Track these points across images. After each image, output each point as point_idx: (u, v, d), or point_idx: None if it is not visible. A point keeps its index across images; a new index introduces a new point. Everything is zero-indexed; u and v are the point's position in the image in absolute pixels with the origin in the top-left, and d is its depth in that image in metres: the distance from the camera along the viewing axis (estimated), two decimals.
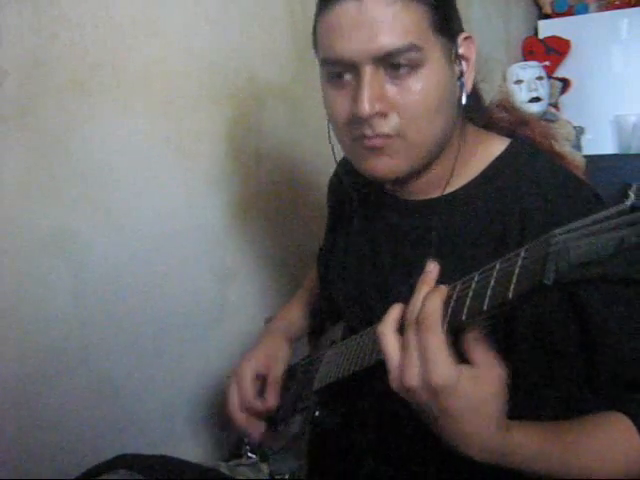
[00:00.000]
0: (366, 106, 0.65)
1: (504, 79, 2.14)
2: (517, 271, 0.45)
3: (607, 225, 0.38)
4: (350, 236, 0.88)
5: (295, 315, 1.05)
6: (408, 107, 0.67)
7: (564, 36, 2.28)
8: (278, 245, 1.36)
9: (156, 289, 1.13)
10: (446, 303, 0.53)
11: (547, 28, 2.37)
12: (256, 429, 0.87)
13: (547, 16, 2.41)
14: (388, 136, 0.68)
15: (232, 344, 1.25)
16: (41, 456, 0.95)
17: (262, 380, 0.90)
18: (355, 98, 0.67)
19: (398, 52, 0.65)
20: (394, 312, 0.57)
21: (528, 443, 0.55)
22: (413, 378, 0.52)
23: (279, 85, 1.33)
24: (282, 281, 1.35)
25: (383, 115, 0.67)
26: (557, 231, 0.42)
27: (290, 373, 0.94)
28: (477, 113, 0.77)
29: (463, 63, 0.71)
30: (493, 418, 0.52)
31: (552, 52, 2.26)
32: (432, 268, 0.56)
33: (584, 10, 2.33)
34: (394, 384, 0.55)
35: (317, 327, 1.04)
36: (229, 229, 1.26)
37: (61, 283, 0.99)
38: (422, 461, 0.77)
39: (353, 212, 0.88)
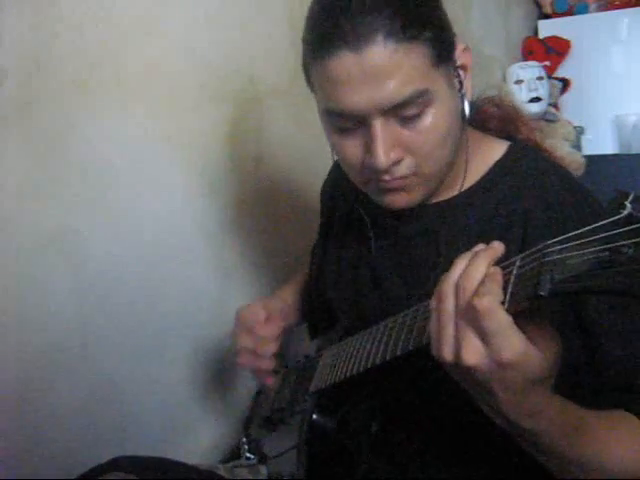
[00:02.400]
0: (382, 159, 0.64)
1: (504, 79, 2.14)
2: (512, 280, 0.45)
3: (603, 236, 0.38)
4: (345, 242, 0.88)
5: (288, 293, 1.06)
6: (421, 147, 0.66)
7: (564, 36, 2.28)
8: (278, 245, 1.36)
9: (156, 289, 1.13)
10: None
11: (547, 28, 2.36)
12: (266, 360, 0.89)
13: (547, 16, 2.41)
14: (405, 176, 0.68)
15: (231, 344, 1.26)
16: (41, 456, 0.96)
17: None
18: (369, 150, 0.66)
19: (407, 102, 0.63)
20: (459, 268, 0.52)
21: (567, 412, 0.54)
22: (473, 355, 0.48)
23: (279, 85, 1.33)
24: (281, 281, 1.34)
25: (399, 161, 0.66)
26: (552, 241, 0.42)
27: (287, 374, 0.94)
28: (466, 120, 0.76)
29: (461, 73, 0.70)
30: (547, 381, 0.51)
31: (552, 52, 2.26)
32: (497, 245, 0.53)
33: (584, 10, 2.32)
34: (446, 357, 0.51)
35: (315, 328, 1.04)
36: (229, 229, 1.26)
37: (61, 283, 0.99)
38: (420, 463, 0.78)
39: (348, 218, 0.87)
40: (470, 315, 0.49)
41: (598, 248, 0.38)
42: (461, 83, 0.70)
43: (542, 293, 0.40)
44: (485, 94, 0.83)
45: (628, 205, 0.38)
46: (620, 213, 0.38)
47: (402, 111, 0.64)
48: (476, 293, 0.48)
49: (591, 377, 0.65)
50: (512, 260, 0.47)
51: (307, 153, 1.37)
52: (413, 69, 0.62)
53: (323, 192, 0.99)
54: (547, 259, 0.41)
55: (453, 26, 0.71)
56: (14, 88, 0.91)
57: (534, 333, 0.49)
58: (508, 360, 0.47)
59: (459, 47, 0.70)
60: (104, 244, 1.04)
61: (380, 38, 0.61)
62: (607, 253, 0.37)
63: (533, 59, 2.25)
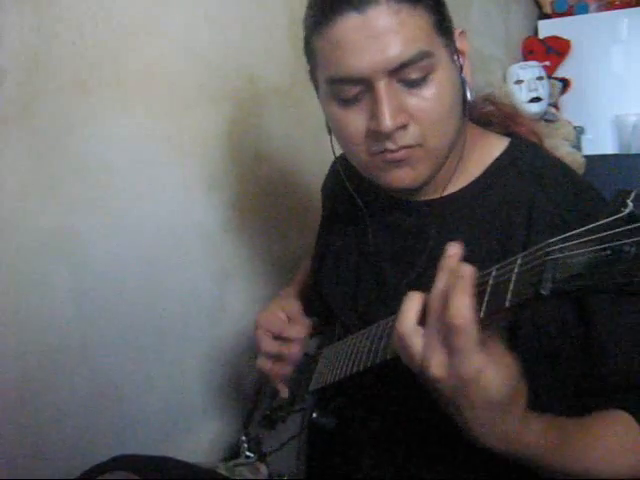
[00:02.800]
0: (388, 122, 0.64)
1: (504, 79, 2.14)
2: (514, 279, 0.45)
3: (605, 234, 0.38)
4: (345, 238, 0.88)
5: (292, 295, 1.04)
6: (427, 115, 0.66)
7: (564, 36, 2.28)
8: (277, 245, 1.36)
9: (156, 289, 1.13)
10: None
11: (547, 28, 2.36)
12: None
13: (547, 16, 2.41)
14: (410, 147, 0.67)
15: (231, 344, 1.26)
16: (41, 456, 0.96)
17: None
18: (374, 114, 0.66)
19: (411, 62, 0.64)
20: (413, 306, 0.53)
21: (546, 435, 0.54)
22: (439, 369, 0.50)
23: (279, 85, 1.33)
24: (281, 281, 1.34)
25: (404, 127, 0.66)
26: (554, 240, 0.42)
27: None
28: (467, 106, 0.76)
29: (460, 58, 0.71)
30: (515, 407, 0.51)
31: (552, 52, 2.26)
32: (453, 252, 0.52)
33: (584, 10, 2.32)
34: (413, 369, 0.53)
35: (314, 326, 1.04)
36: (228, 229, 1.26)
37: (61, 283, 0.99)
38: (420, 462, 0.78)
39: (349, 214, 0.87)
40: (442, 330, 0.50)
41: (600, 247, 0.38)
42: (461, 67, 0.71)
43: (544, 292, 0.40)
44: (483, 92, 0.84)
45: (630, 203, 0.38)
46: (622, 211, 0.38)
47: (406, 73, 0.64)
48: (449, 307, 0.49)
49: (590, 376, 0.65)
50: (514, 258, 0.47)
51: (307, 153, 1.37)
52: (417, 29, 0.64)
53: (324, 187, 0.99)
54: (549, 258, 0.41)
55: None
56: (14, 88, 0.91)
57: (493, 355, 0.50)
58: (467, 375, 0.49)
59: (456, 31, 0.71)
60: (104, 244, 1.04)
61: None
62: (609, 252, 0.37)
63: (533, 59, 2.25)
